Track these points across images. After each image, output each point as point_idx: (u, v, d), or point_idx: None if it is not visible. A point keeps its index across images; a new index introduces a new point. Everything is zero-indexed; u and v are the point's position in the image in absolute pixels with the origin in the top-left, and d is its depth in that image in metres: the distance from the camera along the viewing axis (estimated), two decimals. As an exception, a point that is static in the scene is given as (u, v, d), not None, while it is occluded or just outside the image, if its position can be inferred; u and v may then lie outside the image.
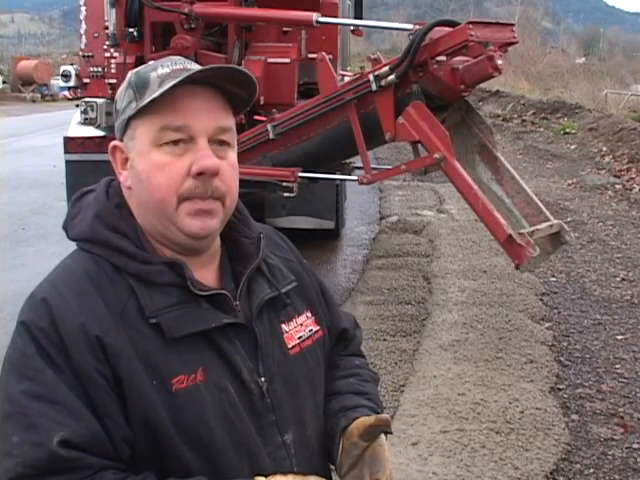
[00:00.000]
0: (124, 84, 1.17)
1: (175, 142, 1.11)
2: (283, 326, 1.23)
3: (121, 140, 1.17)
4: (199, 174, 1.10)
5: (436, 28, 4.34)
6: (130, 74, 1.17)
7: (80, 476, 1.00)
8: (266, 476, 1.08)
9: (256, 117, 5.42)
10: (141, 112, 1.11)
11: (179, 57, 1.18)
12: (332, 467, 1.29)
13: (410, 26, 4.54)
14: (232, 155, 1.17)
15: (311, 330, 1.28)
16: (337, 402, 1.28)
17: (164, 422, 1.05)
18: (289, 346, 1.22)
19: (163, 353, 1.08)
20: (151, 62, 1.18)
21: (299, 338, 1.25)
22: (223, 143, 1.14)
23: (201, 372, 1.09)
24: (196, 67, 1.15)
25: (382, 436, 1.22)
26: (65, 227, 1.20)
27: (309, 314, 1.29)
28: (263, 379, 1.16)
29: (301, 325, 1.26)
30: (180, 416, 1.06)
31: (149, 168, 1.12)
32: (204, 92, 1.12)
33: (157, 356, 1.07)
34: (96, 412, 1.03)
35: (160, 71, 1.13)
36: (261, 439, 1.14)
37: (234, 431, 1.11)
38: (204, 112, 1.12)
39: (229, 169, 1.15)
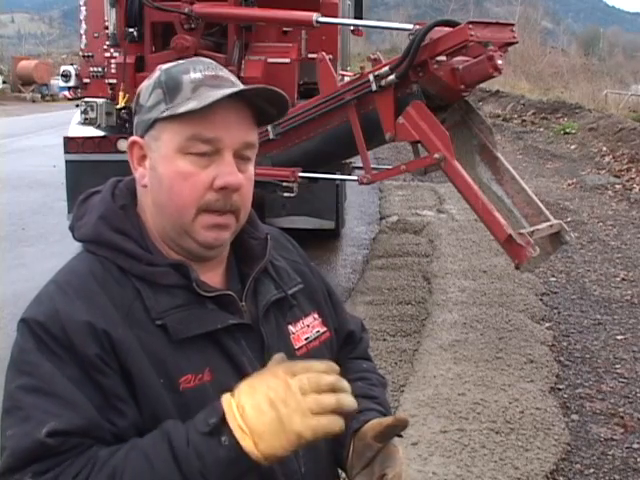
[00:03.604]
0: (151, 80, 1.15)
1: (202, 153, 1.10)
2: (290, 327, 1.23)
3: (142, 137, 1.15)
4: (222, 188, 1.10)
5: (436, 28, 4.34)
6: (159, 72, 1.15)
7: (70, 455, 0.99)
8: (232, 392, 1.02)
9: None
10: (172, 117, 1.10)
11: (209, 61, 1.17)
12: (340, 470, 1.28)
13: (410, 26, 4.54)
14: (251, 169, 1.16)
15: (318, 331, 1.27)
16: None
17: (172, 419, 1.05)
18: (296, 347, 1.22)
19: (170, 353, 1.08)
20: (181, 61, 1.16)
21: (306, 339, 1.24)
22: (245, 157, 1.14)
23: (208, 372, 1.09)
24: (226, 74, 1.14)
25: (395, 437, 1.21)
26: (71, 228, 1.19)
27: (316, 315, 1.29)
28: None
29: (308, 326, 1.26)
30: (188, 415, 1.05)
31: (172, 175, 1.11)
32: (237, 106, 1.11)
33: (164, 356, 1.07)
34: (106, 398, 1.02)
35: (193, 75, 1.11)
36: None
37: None
38: (235, 126, 1.11)
39: (247, 183, 1.15)
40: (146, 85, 1.16)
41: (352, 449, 1.21)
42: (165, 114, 1.10)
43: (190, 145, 1.10)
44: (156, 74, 1.15)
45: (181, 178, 1.10)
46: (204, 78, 1.11)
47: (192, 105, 1.07)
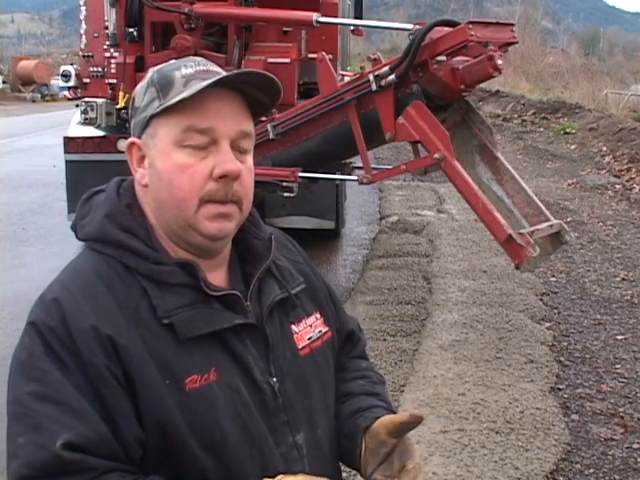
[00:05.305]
0: (144, 81, 1.16)
1: (198, 146, 1.11)
2: (293, 327, 1.24)
3: (139, 137, 1.16)
4: (221, 177, 1.10)
5: (436, 28, 4.34)
6: (152, 72, 1.17)
7: (83, 478, 0.99)
8: (274, 476, 1.07)
9: (256, 117, 5.41)
10: (166, 111, 1.11)
11: (200, 58, 1.18)
12: (343, 466, 1.29)
13: (410, 26, 4.54)
14: (250, 160, 1.17)
15: (320, 331, 1.28)
16: (350, 404, 1.29)
17: (177, 422, 1.05)
18: (299, 347, 1.23)
19: (176, 353, 1.08)
20: (172, 61, 1.17)
21: (309, 339, 1.25)
22: (243, 150, 1.15)
23: (214, 372, 1.09)
24: (217, 69, 1.15)
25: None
26: (74, 227, 1.19)
27: (318, 315, 1.29)
28: (275, 379, 1.16)
29: (310, 326, 1.27)
30: (193, 416, 1.06)
31: (171, 168, 1.11)
32: (229, 96, 1.12)
33: (170, 356, 1.07)
34: (107, 411, 1.03)
35: (184, 71, 1.13)
36: (273, 439, 1.14)
37: (246, 431, 1.11)
38: (229, 116, 1.12)
39: (247, 174, 1.15)
40: (140, 87, 1.17)
41: (364, 447, 1.21)
42: (159, 109, 1.11)
43: (186, 137, 1.10)
44: (149, 75, 1.17)
45: (180, 171, 1.11)
46: (195, 72, 1.12)
47: (183, 95, 1.08)
